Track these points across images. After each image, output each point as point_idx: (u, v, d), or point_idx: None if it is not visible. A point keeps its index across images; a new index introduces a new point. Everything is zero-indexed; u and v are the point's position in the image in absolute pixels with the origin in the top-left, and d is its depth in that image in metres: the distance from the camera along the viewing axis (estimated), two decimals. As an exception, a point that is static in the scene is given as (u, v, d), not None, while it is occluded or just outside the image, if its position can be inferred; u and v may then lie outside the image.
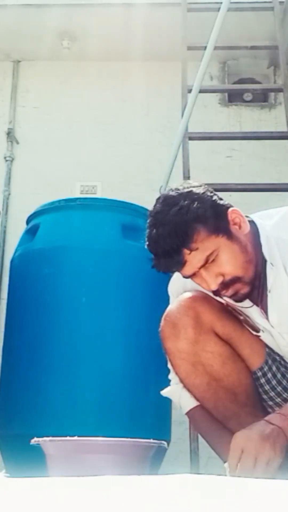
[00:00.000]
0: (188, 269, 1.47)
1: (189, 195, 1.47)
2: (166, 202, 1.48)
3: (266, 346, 1.65)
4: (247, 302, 1.58)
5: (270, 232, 1.53)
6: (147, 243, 1.49)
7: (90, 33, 3.77)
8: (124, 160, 3.85)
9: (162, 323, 1.63)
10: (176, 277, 1.71)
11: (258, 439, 1.31)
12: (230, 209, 1.52)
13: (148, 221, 1.50)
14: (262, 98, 3.99)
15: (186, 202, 1.45)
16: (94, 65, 4.01)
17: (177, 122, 3.11)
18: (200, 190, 1.50)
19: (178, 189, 1.51)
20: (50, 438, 1.38)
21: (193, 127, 3.00)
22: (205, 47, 2.94)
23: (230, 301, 1.60)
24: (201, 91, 2.99)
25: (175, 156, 2.93)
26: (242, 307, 1.60)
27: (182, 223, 1.43)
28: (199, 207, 1.45)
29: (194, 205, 1.44)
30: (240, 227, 1.52)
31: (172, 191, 1.51)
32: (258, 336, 1.63)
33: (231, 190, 2.84)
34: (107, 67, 4.00)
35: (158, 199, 1.52)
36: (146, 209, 1.58)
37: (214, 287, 1.47)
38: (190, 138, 2.94)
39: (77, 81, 4.03)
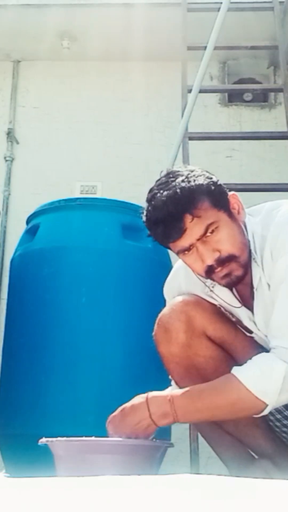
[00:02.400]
0: (187, 238, 1.42)
1: (194, 171, 1.48)
2: (171, 174, 1.47)
3: (260, 347, 1.64)
4: (235, 302, 1.57)
5: (255, 228, 1.52)
6: (146, 212, 1.45)
7: (90, 33, 3.77)
8: (124, 160, 3.85)
9: (155, 327, 1.62)
10: (171, 279, 1.71)
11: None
12: (230, 193, 1.53)
13: (149, 194, 1.47)
14: (262, 98, 3.99)
15: (191, 174, 1.45)
16: (94, 65, 4.01)
17: (177, 122, 3.11)
18: (203, 171, 1.50)
19: (181, 168, 1.51)
20: (58, 438, 1.37)
21: (193, 127, 3.00)
22: (205, 47, 2.95)
23: (222, 302, 1.59)
24: (201, 91, 2.99)
25: (175, 156, 2.93)
26: (231, 306, 1.58)
27: (188, 189, 1.41)
28: (204, 180, 1.45)
29: (200, 178, 1.44)
30: (238, 212, 1.51)
31: (176, 168, 1.51)
32: (252, 337, 1.62)
33: (231, 190, 2.83)
34: (107, 67, 4.00)
35: (161, 173, 1.51)
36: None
37: (210, 261, 1.43)
38: (190, 138, 2.94)
39: (77, 81, 4.03)
